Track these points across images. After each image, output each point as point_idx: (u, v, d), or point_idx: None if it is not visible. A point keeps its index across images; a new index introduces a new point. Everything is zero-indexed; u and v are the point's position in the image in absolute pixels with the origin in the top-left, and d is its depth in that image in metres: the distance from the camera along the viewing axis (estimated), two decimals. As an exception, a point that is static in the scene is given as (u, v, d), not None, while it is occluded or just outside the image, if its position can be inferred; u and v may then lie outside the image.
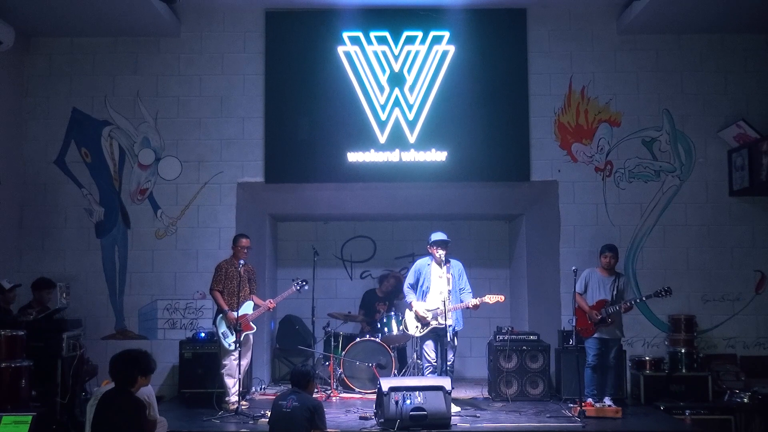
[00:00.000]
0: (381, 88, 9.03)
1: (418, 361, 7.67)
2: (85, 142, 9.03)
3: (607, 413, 7.07)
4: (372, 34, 9.06)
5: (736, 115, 8.82)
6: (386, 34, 9.06)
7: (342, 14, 9.02)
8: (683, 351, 8.30)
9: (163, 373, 8.48)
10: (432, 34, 9.03)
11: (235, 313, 7.41)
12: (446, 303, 7.18)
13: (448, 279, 7.35)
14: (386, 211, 9.75)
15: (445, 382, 6.66)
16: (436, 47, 9.03)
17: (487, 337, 8.82)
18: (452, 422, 6.63)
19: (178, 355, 8.29)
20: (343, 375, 8.45)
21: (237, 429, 6.69)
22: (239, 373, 7.36)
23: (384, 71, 9.04)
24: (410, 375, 7.98)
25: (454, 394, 6.93)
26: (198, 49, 9.10)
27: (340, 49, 9.04)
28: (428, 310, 7.39)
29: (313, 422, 5.51)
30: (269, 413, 5.77)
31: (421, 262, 7.67)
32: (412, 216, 10.03)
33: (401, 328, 8.43)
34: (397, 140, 8.98)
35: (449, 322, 7.20)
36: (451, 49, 9.02)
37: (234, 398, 7.37)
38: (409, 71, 9.05)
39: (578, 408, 7.01)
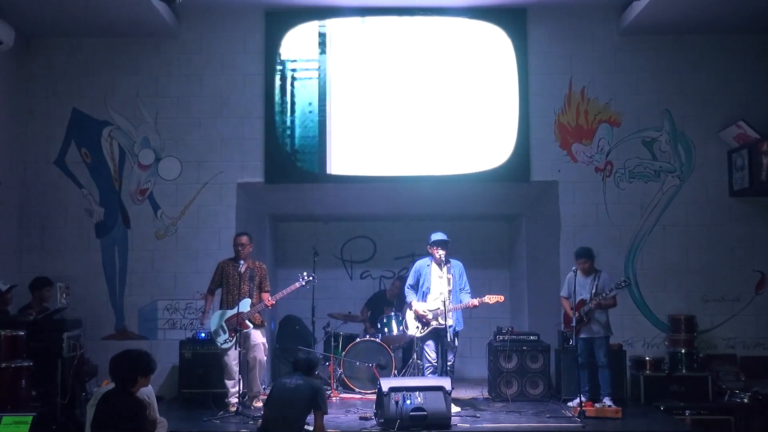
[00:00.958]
0: (381, 88, 9.02)
1: (418, 362, 7.67)
2: (85, 142, 9.03)
3: (607, 413, 7.06)
4: (372, 34, 9.05)
5: (736, 116, 8.82)
6: (386, 33, 9.05)
7: (342, 14, 9.02)
8: (683, 351, 8.30)
9: (163, 373, 8.47)
10: (432, 33, 9.02)
11: (214, 317, 7.47)
12: (446, 303, 7.18)
13: (449, 279, 7.35)
14: (386, 211, 9.75)
15: (446, 383, 6.66)
16: (436, 47, 9.02)
17: (487, 337, 8.82)
18: (452, 422, 6.63)
19: (178, 355, 8.28)
20: (343, 375, 8.45)
21: (237, 429, 6.69)
22: (245, 372, 7.36)
23: (384, 70, 9.03)
24: (410, 375, 7.97)
25: (454, 395, 6.93)
26: (198, 49, 9.10)
27: (340, 49, 9.03)
28: (429, 310, 7.39)
29: (315, 402, 5.56)
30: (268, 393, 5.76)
31: (420, 263, 7.67)
32: (412, 217, 10.03)
33: (401, 328, 8.44)
34: (398, 140, 8.97)
35: (449, 322, 7.20)
36: (451, 49, 9.01)
37: (233, 399, 7.36)
38: (409, 71, 9.03)
39: (578, 408, 7.01)
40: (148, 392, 5.27)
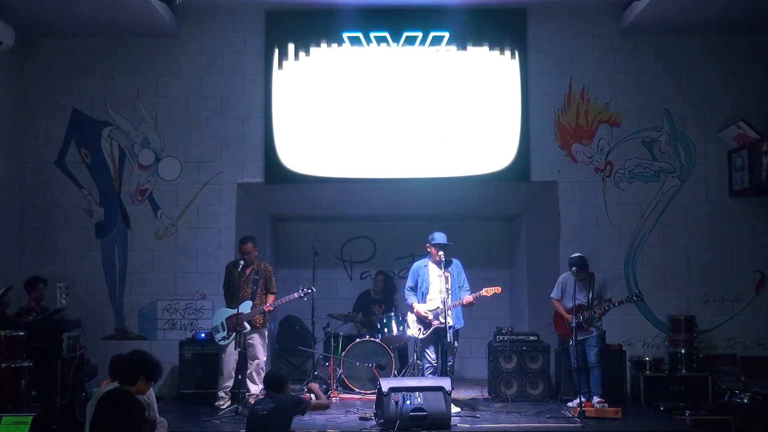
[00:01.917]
0: (381, 88, 9.02)
1: (418, 362, 7.67)
2: (85, 142, 9.03)
3: (607, 414, 7.06)
4: (372, 35, 9.06)
5: (736, 116, 8.82)
6: (386, 34, 9.07)
7: (342, 14, 9.02)
8: (683, 351, 8.30)
9: (163, 374, 8.44)
10: (432, 34, 9.04)
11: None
12: (446, 302, 7.18)
13: (447, 277, 7.34)
14: (386, 212, 9.75)
15: (445, 383, 6.66)
16: (436, 47, 9.03)
17: (487, 337, 8.82)
18: (452, 423, 6.63)
19: (178, 356, 8.29)
20: (343, 375, 8.44)
21: (237, 429, 6.68)
22: (242, 372, 7.41)
23: (384, 71, 9.03)
24: (410, 375, 7.97)
25: (454, 395, 6.93)
26: (198, 49, 9.10)
27: (340, 49, 9.03)
28: (429, 311, 7.39)
29: (296, 413, 5.51)
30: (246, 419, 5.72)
31: (418, 264, 7.68)
32: (412, 217, 10.03)
33: (401, 328, 8.44)
34: (398, 140, 8.97)
35: (449, 321, 7.20)
36: (451, 49, 9.02)
37: (221, 393, 7.53)
38: (409, 71, 9.03)
39: (578, 408, 7.01)
40: (148, 392, 5.26)
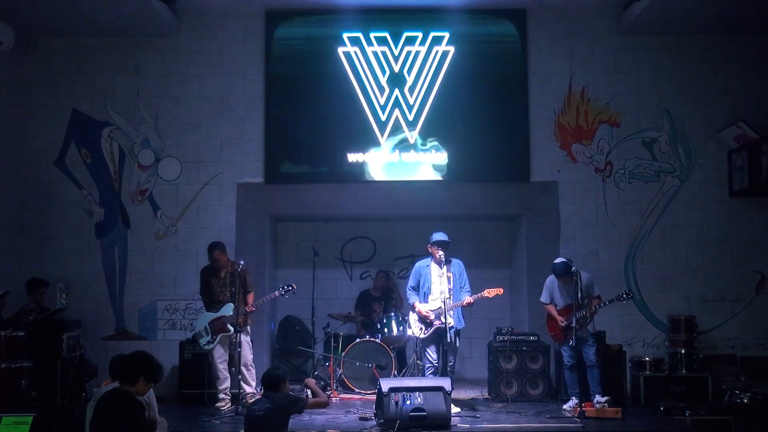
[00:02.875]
0: (381, 89, 9.05)
1: (419, 362, 7.67)
2: (85, 142, 9.03)
3: (607, 414, 7.06)
4: (372, 35, 9.07)
5: (736, 116, 8.82)
6: (386, 34, 9.08)
7: (342, 15, 9.04)
8: (683, 352, 8.30)
9: (164, 374, 8.46)
10: (432, 34, 9.05)
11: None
12: (447, 302, 7.17)
13: (449, 278, 7.35)
14: (386, 212, 9.74)
15: (445, 383, 6.66)
16: (436, 48, 9.04)
17: (487, 337, 8.81)
18: (452, 423, 6.63)
19: (178, 356, 8.27)
20: (343, 375, 8.44)
21: (237, 429, 6.68)
22: (237, 373, 7.41)
23: (384, 72, 9.06)
24: (410, 375, 7.97)
25: (453, 395, 6.92)
26: (198, 49, 9.10)
27: (340, 50, 9.05)
28: (431, 310, 7.39)
29: (293, 412, 5.49)
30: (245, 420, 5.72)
31: (420, 264, 7.67)
32: (412, 217, 10.01)
33: (401, 328, 8.44)
34: (397, 141, 9.00)
35: (450, 322, 7.20)
36: (451, 49, 9.04)
37: (221, 395, 7.57)
38: (409, 72, 9.06)
39: (578, 408, 7.01)
40: (148, 393, 5.26)
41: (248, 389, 7.56)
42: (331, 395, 8.12)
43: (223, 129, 9.04)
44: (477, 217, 10.27)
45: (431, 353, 7.48)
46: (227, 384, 7.58)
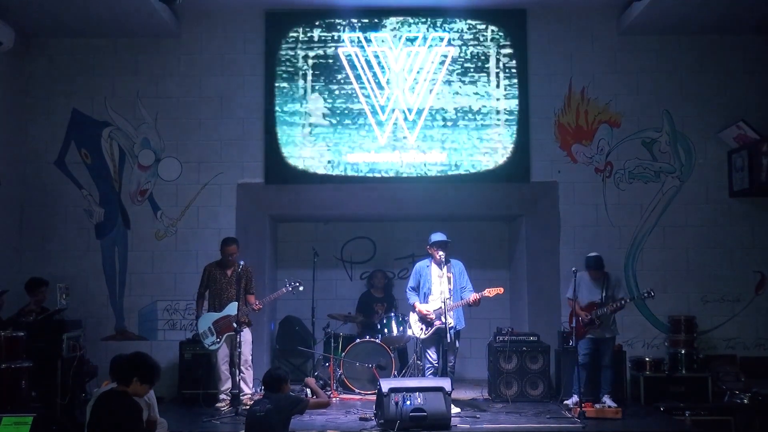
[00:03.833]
0: (381, 89, 9.04)
1: (419, 362, 7.67)
2: (85, 142, 9.03)
3: (607, 414, 7.06)
4: (372, 35, 9.07)
5: (736, 116, 8.82)
6: (386, 35, 9.09)
7: (342, 14, 9.03)
8: (683, 352, 8.30)
9: (163, 374, 8.32)
10: (432, 35, 9.06)
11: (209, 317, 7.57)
12: (447, 302, 7.17)
13: (449, 278, 7.35)
14: (386, 212, 9.74)
15: (445, 383, 6.65)
16: (436, 48, 9.05)
17: (487, 338, 8.81)
18: (452, 423, 6.63)
19: (178, 356, 8.27)
20: (343, 376, 8.44)
21: (237, 430, 6.68)
22: (238, 373, 7.40)
23: (384, 72, 9.06)
24: (410, 376, 7.97)
25: (454, 395, 6.92)
26: (198, 49, 9.10)
27: (341, 50, 9.05)
28: (432, 310, 7.39)
29: (294, 412, 5.49)
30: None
31: (420, 265, 7.67)
32: (412, 217, 10.02)
33: (401, 328, 8.44)
34: (397, 141, 9.00)
35: (450, 322, 7.19)
36: (451, 50, 9.04)
37: (222, 396, 7.54)
38: (409, 72, 9.06)
39: (578, 409, 7.01)
40: (148, 393, 5.25)
41: (246, 390, 7.55)
42: (331, 395, 8.12)
43: (223, 129, 9.04)
44: (477, 218, 10.27)
45: (431, 354, 7.48)
46: (228, 385, 7.56)
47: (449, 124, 9.02)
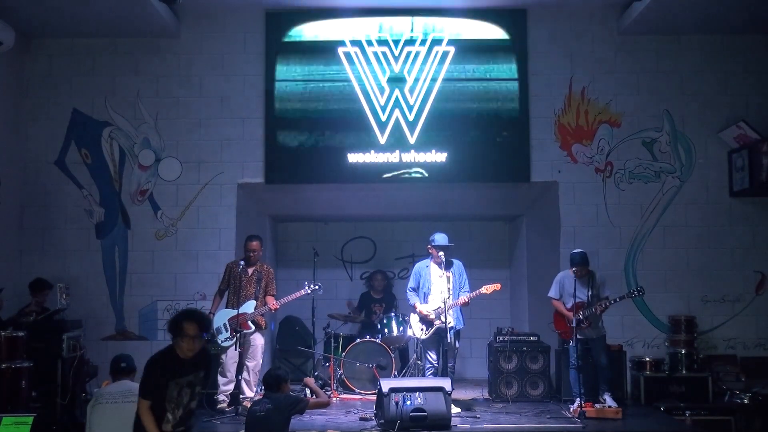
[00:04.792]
0: (381, 89, 9.05)
1: (419, 362, 7.67)
2: (86, 142, 9.02)
3: (607, 414, 7.06)
4: (372, 36, 9.07)
5: (737, 116, 8.82)
6: (386, 35, 9.08)
7: (342, 15, 9.03)
8: (683, 352, 8.29)
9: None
10: (432, 35, 9.06)
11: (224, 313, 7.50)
12: (447, 302, 7.17)
13: (448, 278, 7.34)
14: (386, 212, 9.75)
15: (446, 383, 6.65)
16: (436, 48, 9.04)
17: (487, 337, 8.81)
18: (452, 423, 6.63)
19: (178, 356, 8.26)
20: (343, 376, 8.44)
21: (237, 430, 6.68)
22: (241, 374, 7.37)
23: (384, 72, 9.06)
24: (410, 376, 7.97)
25: (454, 395, 6.92)
26: (198, 49, 9.10)
27: (341, 50, 9.05)
28: (432, 310, 7.39)
29: (294, 412, 5.49)
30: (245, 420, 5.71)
31: (419, 265, 7.67)
32: (412, 217, 10.03)
33: (401, 328, 8.44)
34: (397, 141, 9.01)
35: (450, 322, 7.19)
36: (451, 50, 9.04)
37: (221, 397, 7.44)
38: (409, 72, 9.06)
39: (578, 409, 7.01)
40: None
41: (249, 393, 7.51)
42: (332, 395, 8.12)
43: (223, 129, 9.04)
44: (477, 217, 10.29)
45: (431, 354, 7.48)
46: (230, 387, 7.47)
47: (449, 123, 9.01)
